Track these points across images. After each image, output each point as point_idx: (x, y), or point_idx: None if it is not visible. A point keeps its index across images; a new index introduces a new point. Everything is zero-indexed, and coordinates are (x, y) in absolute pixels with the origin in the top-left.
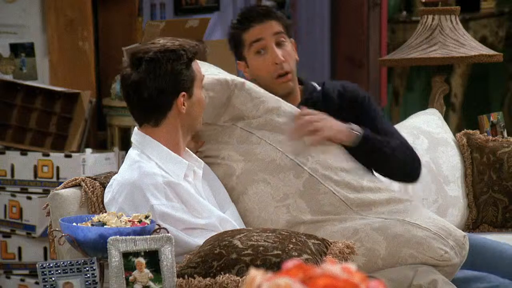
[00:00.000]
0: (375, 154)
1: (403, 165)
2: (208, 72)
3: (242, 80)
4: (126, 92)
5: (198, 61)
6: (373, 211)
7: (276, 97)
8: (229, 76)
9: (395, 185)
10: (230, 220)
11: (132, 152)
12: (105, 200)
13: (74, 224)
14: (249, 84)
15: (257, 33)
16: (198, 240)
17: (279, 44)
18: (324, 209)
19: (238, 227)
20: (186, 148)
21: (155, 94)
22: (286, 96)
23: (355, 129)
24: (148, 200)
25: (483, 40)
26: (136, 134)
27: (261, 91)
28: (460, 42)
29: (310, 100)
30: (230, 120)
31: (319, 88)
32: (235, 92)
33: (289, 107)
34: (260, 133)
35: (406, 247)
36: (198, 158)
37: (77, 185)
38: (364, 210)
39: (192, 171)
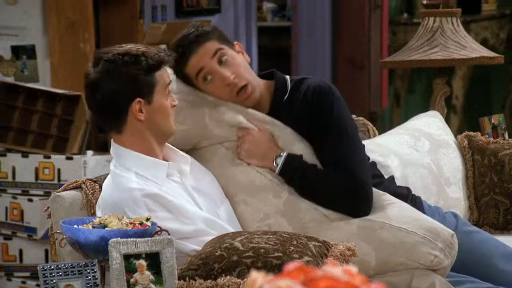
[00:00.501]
0: (297, 187)
1: (331, 201)
2: (178, 92)
3: (215, 108)
4: (86, 92)
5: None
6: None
7: (249, 119)
8: (201, 109)
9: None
10: (215, 219)
11: (111, 166)
12: (97, 214)
13: (75, 226)
14: (222, 111)
15: (196, 64)
16: (194, 246)
17: (222, 62)
18: (306, 226)
19: (225, 226)
20: (171, 146)
21: (108, 96)
22: (259, 106)
23: (277, 161)
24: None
25: (484, 42)
26: (113, 146)
27: (235, 116)
28: (461, 44)
29: (279, 103)
30: (216, 143)
31: (289, 86)
32: (211, 122)
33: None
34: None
35: (395, 256)
36: (185, 154)
37: (78, 187)
38: (345, 219)
39: (176, 170)
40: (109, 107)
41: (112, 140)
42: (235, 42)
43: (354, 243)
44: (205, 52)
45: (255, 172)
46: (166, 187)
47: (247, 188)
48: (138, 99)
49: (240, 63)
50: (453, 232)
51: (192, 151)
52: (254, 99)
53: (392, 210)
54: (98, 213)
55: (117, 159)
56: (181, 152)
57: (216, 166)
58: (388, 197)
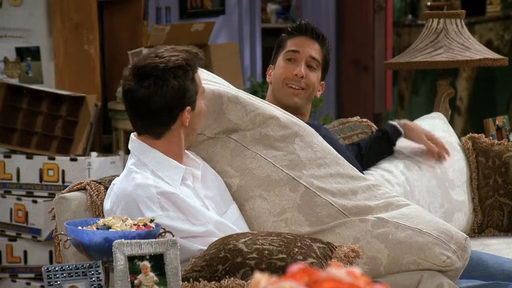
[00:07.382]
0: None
1: None
2: (203, 79)
3: (235, 93)
4: (130, 106)
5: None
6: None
7: (273, 108)
8: (222, 88)
9: (397, 189)
10: (226, 223)
11: (129, 161)
12: (105, 208)
13: (80, 227)
14: (242, 97)
15: (297, 44)
16: (200, 246)
17: (309, 67)
18: (322, 221)
19: (235, 228)
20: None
21: (162, 109)
22: (295, 113)
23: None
24: (143, 214)
25: (488, 44)
26: (133, 141)
27: (255, 102)
28: (466, 46)
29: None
30: (222, 133)
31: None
32: (228, 104)
33: (286, 118)
34: (254, 147)
35: (408, 254)
36: (197, 159)
37: (82, 188)
38: (360, 216)
39: (191, 174)
40: (161, 118)
41: (132, 135)
42: (322, 82)
43: (367, 240)
44: (312, 46)
45: (271, 166)
46: (180, 189)
47: (263, 182)
48: (188, 107)
49: (314, 82)
50: (466, 236)
51: (201, 143)
52: (294, 101)
53: (406, 211)
54: (107, 207)
55: (137, 153)
56: (192, 156)
57: (228, 160)
58: (402, 200)
